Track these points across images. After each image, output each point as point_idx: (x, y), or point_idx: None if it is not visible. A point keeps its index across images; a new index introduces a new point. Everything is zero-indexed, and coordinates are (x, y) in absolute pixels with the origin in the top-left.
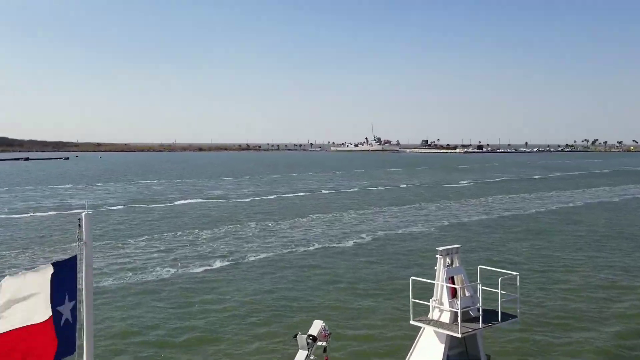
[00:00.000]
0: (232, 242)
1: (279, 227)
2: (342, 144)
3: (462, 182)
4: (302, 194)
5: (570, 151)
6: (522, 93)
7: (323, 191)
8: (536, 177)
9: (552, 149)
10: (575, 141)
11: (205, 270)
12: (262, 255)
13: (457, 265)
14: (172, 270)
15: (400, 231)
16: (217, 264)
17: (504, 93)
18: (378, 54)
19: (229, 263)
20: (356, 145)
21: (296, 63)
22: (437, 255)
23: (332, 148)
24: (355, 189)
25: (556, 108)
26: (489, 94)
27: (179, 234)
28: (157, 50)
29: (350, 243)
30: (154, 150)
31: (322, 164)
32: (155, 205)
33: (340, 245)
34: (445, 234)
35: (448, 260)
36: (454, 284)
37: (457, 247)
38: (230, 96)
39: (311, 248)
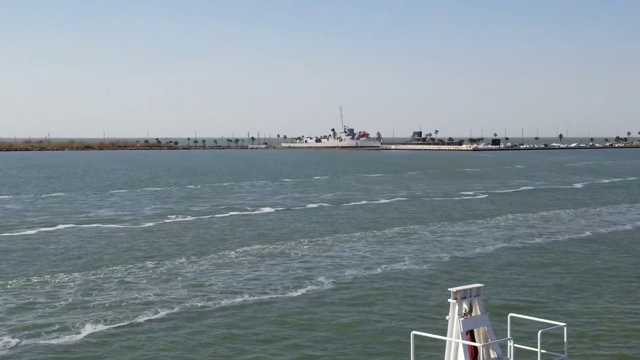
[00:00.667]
0: (111, 297)
1: (191, 267)
2: (298, 138)
3: (471, 193)
4: (230, 214)
5: (622, 147)
6: (553, 69)
7: (263, 210)
8: (578, 185)
9: (597, 144)
10: (629, 133)
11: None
12: (162, 313)
13: (479, 313)
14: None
15: (381, 269)
16: (88, 329)
17: (528, 68)
18: (351, 15)
19: (109, 327)
20: (319, 140)
21: (235, 30)
22: (449, 300)
23: (283, 144)
24: (313, 207)
25: (602, 90)
26: (506, 70)
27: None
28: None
29: (305, 289)
30: (17, 149)
31: (267, 168)
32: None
33: (289, 294)
34: (451, 270)
35: (465, 306)
36: (473, 340)
37: (479, 288)
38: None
39: (240, 300)
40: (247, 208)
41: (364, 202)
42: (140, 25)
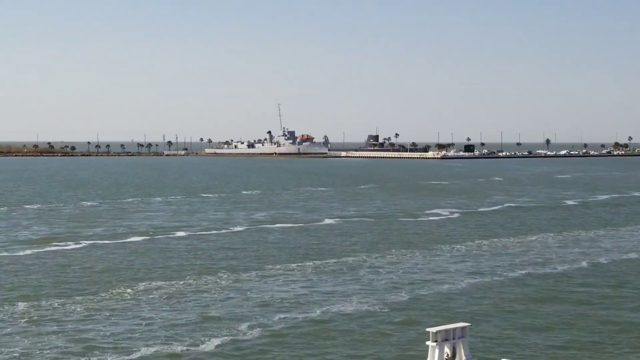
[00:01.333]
0: None
1: (68, 313)
2: (227, 143)
3: (437, 212)
4: (131, 240)
5: (623, 155)
6: (539, 62)
7: (175, 234)
8: (570, 202)
9: (591, 151)
10: (630, 138)
11: None
12: None
13: (464, 358)
14: None
15: (321, 311)
16: None
17: (508, 61)
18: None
19: None
20: (252, 145)
21: (150, 13)
22: (428, 342)
23: (207, 150)
24: (239, 230)
25: (597, 86)
26: (482, 63)
27: None
28: None
29: (219, 341)
30: None
31: (185, 180)
32: None
33: (197, 348)
34: (412, 310)
35: (447, 350)
36: None
37: (464, 328)
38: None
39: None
40: (154, 232)
41: (303, 223)
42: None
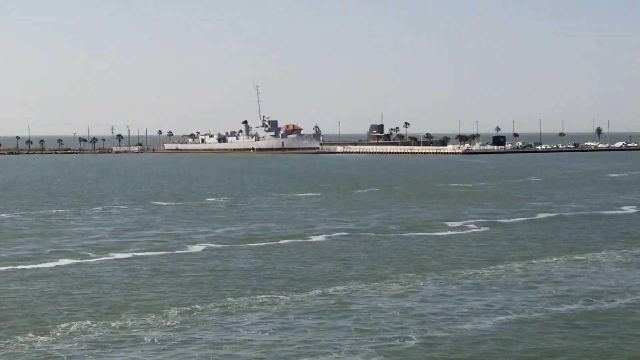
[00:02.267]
0: None
1: None
2: (192, 136)
3: (457, 225)
4: (59, 263)
5: None
6: (583, 32)
7: (114, 255)
8: (629, 209)
9: None
10: None
11: None
12: None
13: None
14: None
15: None
16: None
17: (546, 32)
18: None
19: None
20: (223, 139)
21: None
22: None
23: (167, 145)
24: (198, 250)
25: None
26: (513, 32)
27: None
28: None
29: None
30: None
31: (135, 184)
32: None
33: None
34: (434, 356)
35: None
36: None
37: None
38: None
39: None
40: (86, 253)
41: (282, 240)
42: None
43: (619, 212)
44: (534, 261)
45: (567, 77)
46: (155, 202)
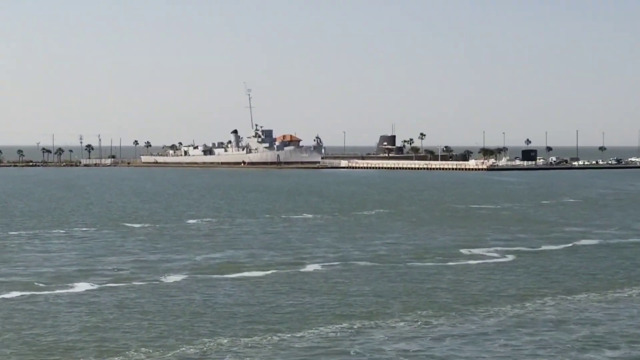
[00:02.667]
0: None
1: None
2: (173, 147)
3: (480, 253)
4: (8, 296)
5: None
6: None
7: (73, 288)
8: None
9: None
10: None
11: None
12: None
13: None
14: None
15: None
16: None
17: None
18: None
19: None
20: (209, 151)
21: None
22: None
23: (144, 158)
24: (171, 281)
25: None
26: (547, 33)
27: None
28: None
29: None
30: None
31: (103, 203)
32: None
33: None
34: None
35: None
36: None
37: None
38: None
39: None
40: (45, 284)
41: (272, 270)
42: None
43: None
44: (568, 297)
45: (608, 83)
46: (127, 224)
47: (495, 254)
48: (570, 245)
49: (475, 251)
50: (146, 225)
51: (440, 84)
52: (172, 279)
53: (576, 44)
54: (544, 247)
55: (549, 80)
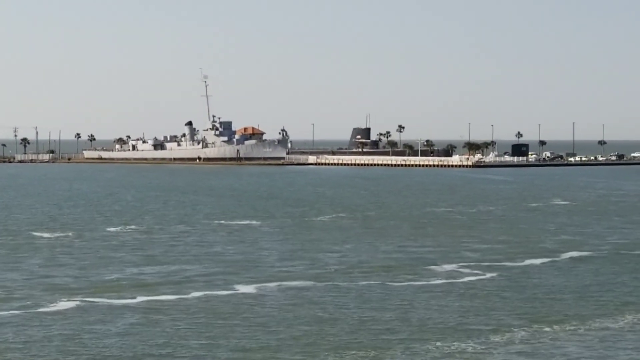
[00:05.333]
0: None
1: None
2: (120, 140)
3: (451, 268)
4: None
5: None
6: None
7: None
8: None
9: None
10: None
11: None
12: None
13: None
14: None
15: None
16: None
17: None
18: None
19: None
20: (160, 145)
21: None
22: None
23: (86, 152)
24: (66, 307)
25: None
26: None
27: None
28: None
29: None
30: None
31: (15, 208)
32: None
33: None
34: None
35: None
36: None
37: None
38: None
39: None
40: None
41: (194, 293)
42: None
43: None
44: (546, 329)
45: (608, 71)
46: (35, 234)
47: (468, 271)
48: (556, 258)
49: (446, 267)
50: (54, 235)
51: (421, 70)
52: (63, 305)
53: (572, 27)
54: (526, 262)
55: (543, 68)
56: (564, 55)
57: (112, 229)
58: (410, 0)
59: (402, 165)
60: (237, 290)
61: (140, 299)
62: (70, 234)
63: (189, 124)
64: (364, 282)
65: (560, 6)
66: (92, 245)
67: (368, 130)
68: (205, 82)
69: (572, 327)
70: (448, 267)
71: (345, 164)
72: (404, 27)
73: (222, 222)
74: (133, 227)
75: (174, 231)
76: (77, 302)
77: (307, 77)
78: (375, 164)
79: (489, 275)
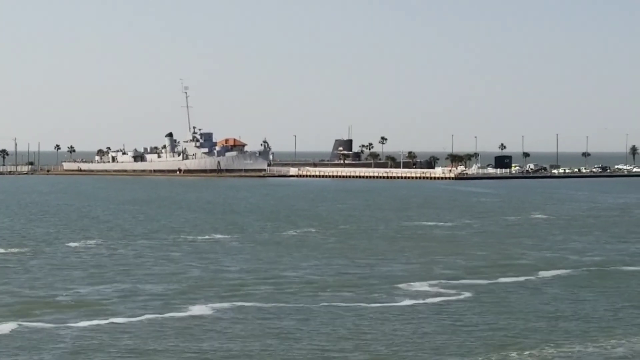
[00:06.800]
0: None
1: None
2: (100, 152)
3: (421, 287)
4: None
5: None
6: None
7: None
8: None
9: None
10: None
11: None
12: None
13: None
14: None
15: None
16: None
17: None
18: None
19: None
20: (140, 157)
21: None
22: None
23: (66, 164)
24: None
25: None
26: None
27: None
28: None
29: None
30: None
31: None
32: None
33: None
34: None
35: None
36: None
37: None
38: None
39: None
40: None
41: (145, 316)
42: None
43: None
44: (526, 352)
45: (592, 82)
46: None
47: (435, 290)
48: (532, 277)
49: (413, 287)
50: (13, 250)
51: (404, 81)
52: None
53: (556, 40)
54: (501, 280)
55: (526, 79)
56: (548, 67)
57: (72, 244)
58: (393, 12)
59: (384, 177)
60: (190, 311)
61: (82, 321)
62: (26, 249)
63: (170, 135)
64: (320, 304)
65: (543, 19)
66: (46, 261)
67: (350, 141)
68: (186, 93)
69: (543, 352)
70: (417, 286)
71: (326, 176)
72: (386, 38)
73: (189, 237)
74: (95, 242)
75: (137, 247)
76: (10, 324)
77: (289, 88)
78: (357, 176)
79: (458, 295)
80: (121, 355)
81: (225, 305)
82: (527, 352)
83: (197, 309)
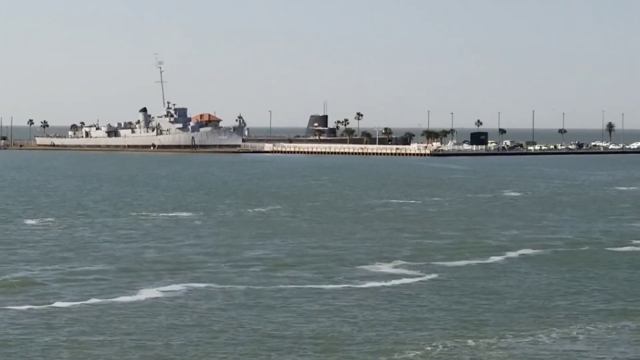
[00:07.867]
0: None
1: None
2: (74, 127)
3: (383, 268)
4: None
5: None
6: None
7: None
8: None
9: None
10: None
11: None
12: None
13: None
14: None
15: None
16: None
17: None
18: None
19: None
20: (113, 132)
21: None
22: None
23: (39, 139)
24: None
25: None
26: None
27: None
28: None
29: None
30: None
31: None
32: None
33: None
34: None
35: None
36: None
37: None
38: None
39: None
40: None
41: (94, 298)
42: None
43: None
44: (470, 342)
45: (569, 59)
46: None
47: (398, 271)
48: (501, 257)
49: (377, 267)
50: None
51: (379, 57)
52: None
53: (533, 15)
54: (469, 262)
55: (503, 55)
56: (524, 43)
57: (29, 222)
58: None
59: (359, 153)
60: (139, 294)
61: (28, 303)
62: None
63: (144, 110)
64: (276, 286)
65: None
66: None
67: (325, 117)
68: (160, 68)
69: (502, 341)
70: (380, 267)
71: (301, 152)
72: (362, 14)
73: (152, 214)
74: (52, 220)
75: (96, 225)
76: None
77: (264, 63)
78: (332, 152)
79: (421, 277)
80: (56, 344)
81: (176, 287)
82: (483, 340)
83: (146, 292)
